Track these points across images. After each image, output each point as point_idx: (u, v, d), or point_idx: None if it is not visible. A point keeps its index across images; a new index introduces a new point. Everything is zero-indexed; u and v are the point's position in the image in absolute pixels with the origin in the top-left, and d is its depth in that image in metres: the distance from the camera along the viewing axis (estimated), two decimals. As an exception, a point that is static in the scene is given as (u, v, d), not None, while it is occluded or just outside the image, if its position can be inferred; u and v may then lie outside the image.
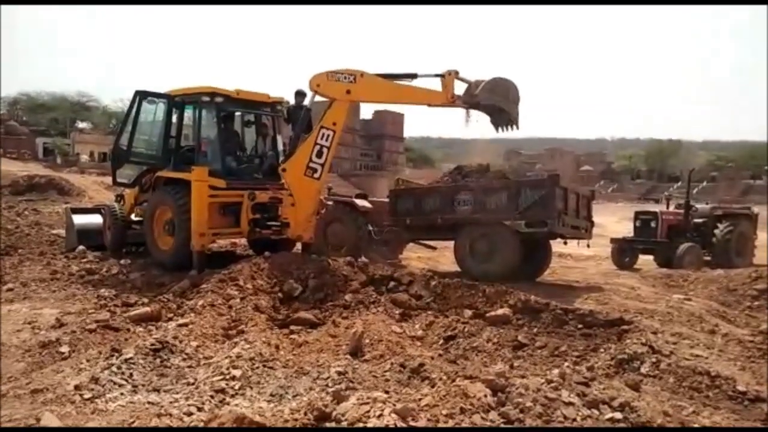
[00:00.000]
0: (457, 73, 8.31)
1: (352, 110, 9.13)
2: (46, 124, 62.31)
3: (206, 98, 8.94)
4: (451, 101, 8.21)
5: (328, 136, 8.41)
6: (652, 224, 13.80)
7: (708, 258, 13.27)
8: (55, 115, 63.02)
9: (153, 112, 9.59)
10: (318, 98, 8.85)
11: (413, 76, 8.37)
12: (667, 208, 15.21)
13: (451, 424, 3.49)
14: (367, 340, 5.69)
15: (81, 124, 66.77)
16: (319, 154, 8.41)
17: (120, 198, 10.84)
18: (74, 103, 65.94)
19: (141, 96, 9.33)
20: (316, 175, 8.54)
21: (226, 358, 5.02)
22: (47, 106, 64.17)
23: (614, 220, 24.46)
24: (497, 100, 8.28)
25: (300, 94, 10.43)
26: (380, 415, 3.63)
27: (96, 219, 10.98)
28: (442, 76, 8.32)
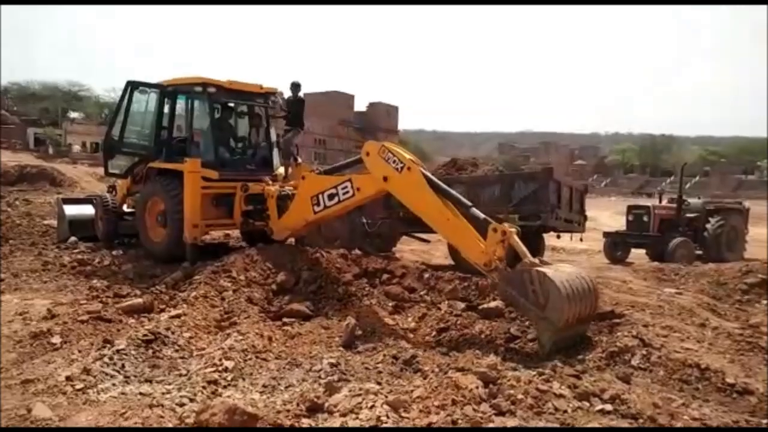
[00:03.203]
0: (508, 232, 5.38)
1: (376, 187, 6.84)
2: (37, 113, 61.70)
3: (198, 89, 8.86)
4: (489, 269, 5.52)
5: (347, 193, 7.13)
6: (645, 218, 13.89)
7: (699, 252, 13.38)
8: (46, 105, 62.41)
9: (145, 103, 9.50)
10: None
11: (468, 206, 5.92)
12: (660, 202, 15.32)
13: (442, 415, 3.52)
14: (360, 332, 5.71)
15: (73, 114, 66.16)
16: (331, 197, 7.28)
17: (112, 189, 10.76)
18: (66, 92, 65.25)
19: (133, 86, 9.24)
20: (317, 209, 7.43)
21: (218, 349, 5.02)
22: (38, 95, 63.49)
23: (607, 214, 24.57)
24: (513, 297, 5.34)
25: (296, 86, 10.39)
26: (372, 407, 3.66)
27: (88, 210, 10.89)
28: (488, 222, 5.56)
